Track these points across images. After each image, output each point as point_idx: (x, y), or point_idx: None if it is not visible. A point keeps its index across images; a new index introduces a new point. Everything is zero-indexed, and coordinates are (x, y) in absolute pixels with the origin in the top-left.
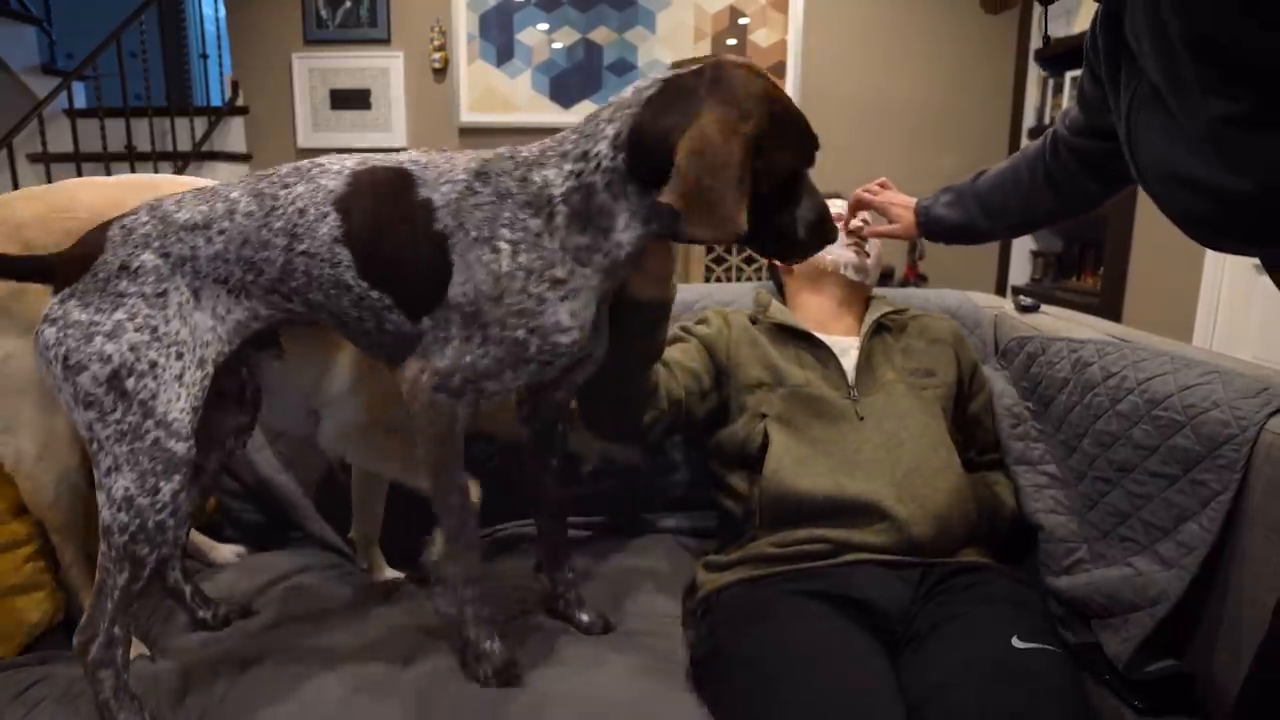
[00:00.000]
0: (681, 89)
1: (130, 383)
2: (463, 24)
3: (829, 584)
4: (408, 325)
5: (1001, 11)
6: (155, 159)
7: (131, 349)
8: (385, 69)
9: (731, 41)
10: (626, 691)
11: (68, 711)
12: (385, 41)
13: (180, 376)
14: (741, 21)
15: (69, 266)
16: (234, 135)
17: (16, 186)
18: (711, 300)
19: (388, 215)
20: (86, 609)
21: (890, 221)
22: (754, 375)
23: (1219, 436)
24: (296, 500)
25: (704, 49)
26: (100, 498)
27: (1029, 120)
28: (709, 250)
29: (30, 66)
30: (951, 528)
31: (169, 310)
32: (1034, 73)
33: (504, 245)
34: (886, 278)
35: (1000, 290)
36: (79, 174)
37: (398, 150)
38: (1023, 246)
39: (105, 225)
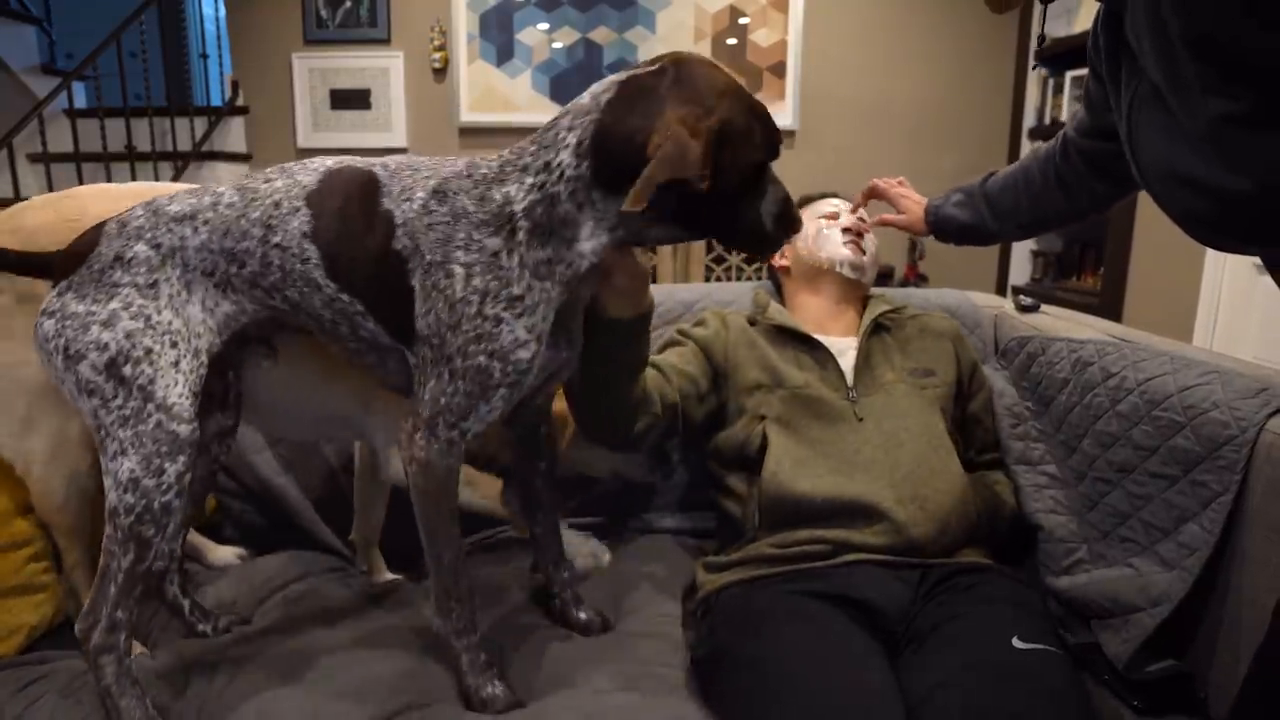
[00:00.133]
0: (641, 89)
1: (128, 369)
2: (463, 24)
3: (828, 584)
4: (385, 337)
5: (1006, 11)
6: (155, 159)
7: (127, 336)
8: (385, 69)
9: (731, 41)
10: (626, 692)
11: (68, 705)
12: (385, 41)
13: (176, 364)
14: (741, 21)
15: (66, 262)
16: (234, 135)
17: (16, 186)
18: (711, 300)
19: (351, 219)
20: (89, 597)
21: (900, 212)
22: (752, 377)
23: (1219, 437)
24: (296, 503)
25: (704, 49)
26: (106, 482)
27: (1029, 120)
28: (709, 249)
29: (30, 66)
30: (951, 528)
31: (160, 301)
32: (1034, 72)
33: (458, 269)
34: (886, 277)
35: (1000, 290)
36: (79, 174)
37: (398, 151)
38: (1023, 246)
39: (103, 222)
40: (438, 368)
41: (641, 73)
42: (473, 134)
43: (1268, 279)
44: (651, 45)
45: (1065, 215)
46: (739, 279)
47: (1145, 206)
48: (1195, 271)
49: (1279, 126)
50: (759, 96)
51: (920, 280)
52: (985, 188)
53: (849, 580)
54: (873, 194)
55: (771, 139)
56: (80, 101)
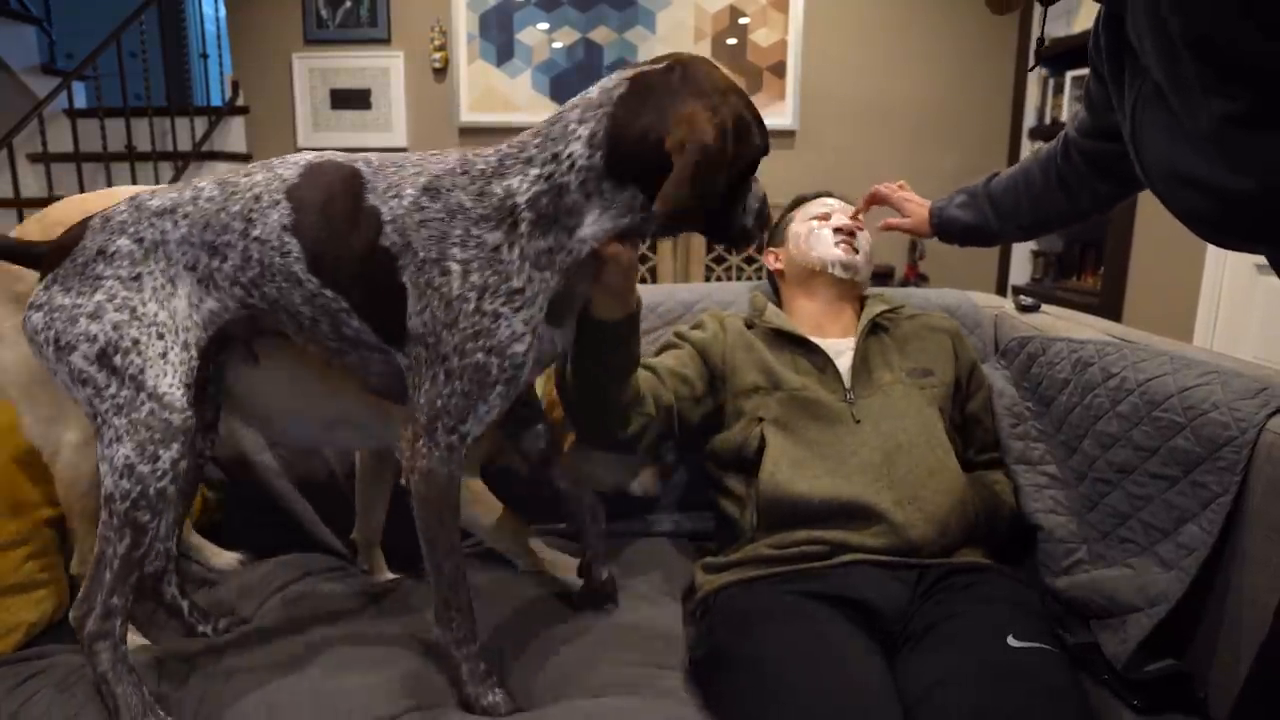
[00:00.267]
0: (651, 85)
1: (118, 359)
2: (463, 24)
3: (826, 585)
4: (370, 336)
5: (1007, 13)
6: (155, 159)
7: (114, 328)
8: (385, 69)
9: (731, 41)
10: (626, 695)
11: (64, 699)
12: (385, 41)
13: (164, 355)
14: (741, 21)
15: (53, 256)
16: (234, 135)
17: (16, 186)
18: (711, 300)
19: (336, 214)
20: (84, 584)
21: (904, 216)
22: (750, 379)
23: (1219, 438)
24: (295, 505)
25: (704, 49)
26: (103, 469)
27: (1029, 120)
28: (709, 250)
29: (30, 66)
30: (950, 529)
31: (145, 293)
32: (1034, 72)
33: (454, 266)
34: (886, 277)
35: (1001, 290)
36: (79, 174)
37: (398, 150)
38: (1023, 246)
39: (89, 217)
40: (433, 368)
41: (650, 70)
42: (473, 134)
43: (1268, 279)
44: (651, 45)
45: (1067, 216)
46: (739, 279)
47: (1145, 206)
48: (1195, 271)
49: (1279, 127)
50: (759, 96)
51: (920, 280)
52: (989, 189)
53: (847, 580)
54: (875, 200)
55: (765, 134)
56: (80, 101)
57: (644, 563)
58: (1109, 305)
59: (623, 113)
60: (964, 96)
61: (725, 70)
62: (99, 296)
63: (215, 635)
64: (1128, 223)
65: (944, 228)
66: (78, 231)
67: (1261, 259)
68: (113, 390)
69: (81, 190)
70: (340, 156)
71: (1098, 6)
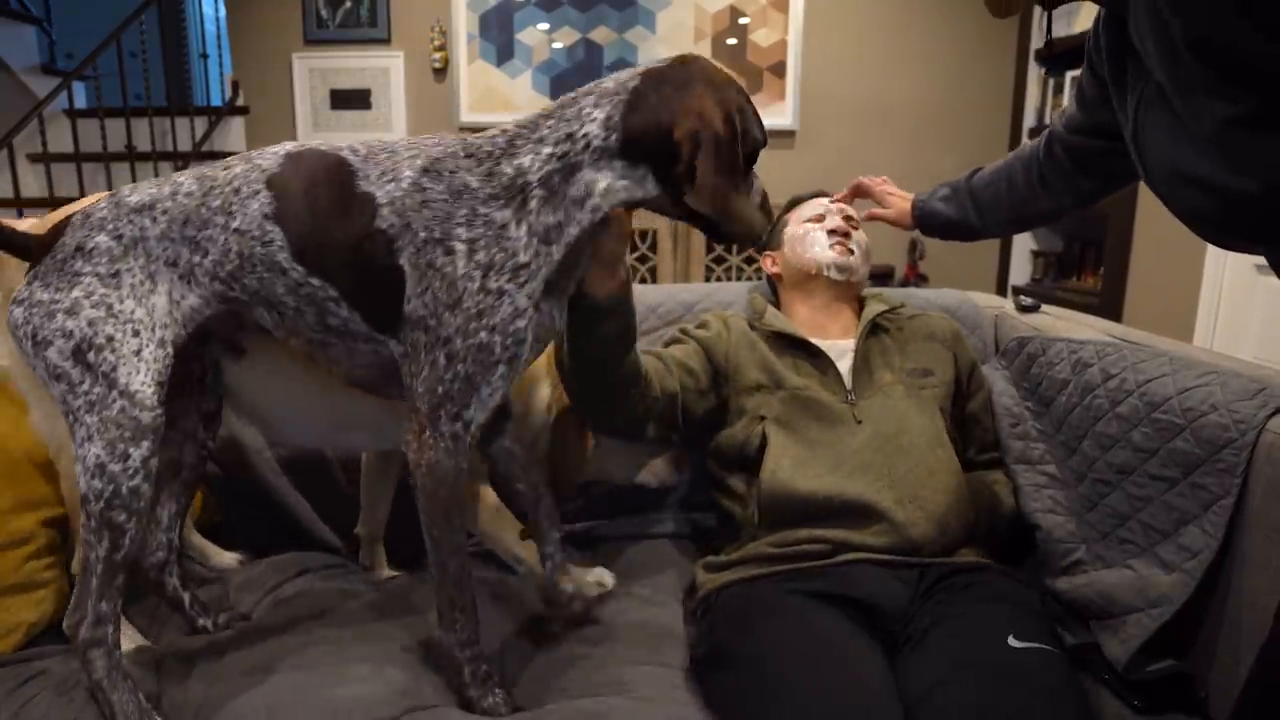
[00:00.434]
0: (663, 78)
1: (91, 356)
2: (463, 24)
3: (828, 583)
4: (359, 324)
5: (1007, 16)
6: (155, 159)
7: (90, 324)
8: (385, 69)
9: (731, 41)
10: (626, 695)
11: (63, 703)
12: (385, 41)
13: (139, 352)
14: (741, 21)
15: (38, 251)
16: (234, 135)
17: (16, 186)
18: (711, 301)
19: (322, 200)
20: (74, 592)
21: (886, 208)
22: (753, 378)
23: (1218, 440)
24: (295, 504)
25: (704, 49)
26: (77, 469)
27: (1029, 120)
28: (709, 250)
29: (30, 66)
30: (950, 528)
31: (122, 290)
32: (1034, 73)
33: (459, 245)
34: (887, 277)
35: (1001, 290)
36: (79, 174)
37: None
38: (1023, 246)
39: (72, 214)
40: (432, 353)
41: (662, 65)
42: (473, 134)
43: (1268, 279)
44: (651, 45)
45: (1047, 212)
46: (739, 279)
47: (1145, 206)
48: (1195, 271)
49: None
50: (759, 96)
51: (920, 280)
52: (970, 184)
53: (848, 579)
54: (857, 192)
55: (763, 127)
56: (80, 101)
57: (645, 562)
58: (1109, 305)
59: (637, 100)
60: (964, 97)
61: (725, 69)
62: (76, 293)
63: (216, 630)
64: (1128, 223)
65: (925, 221)
66: (60, 228)
67: (1261, 259)
68: (85, 387)
69: (81, 191)
70: (323, 146)
71: (1098, 7)
